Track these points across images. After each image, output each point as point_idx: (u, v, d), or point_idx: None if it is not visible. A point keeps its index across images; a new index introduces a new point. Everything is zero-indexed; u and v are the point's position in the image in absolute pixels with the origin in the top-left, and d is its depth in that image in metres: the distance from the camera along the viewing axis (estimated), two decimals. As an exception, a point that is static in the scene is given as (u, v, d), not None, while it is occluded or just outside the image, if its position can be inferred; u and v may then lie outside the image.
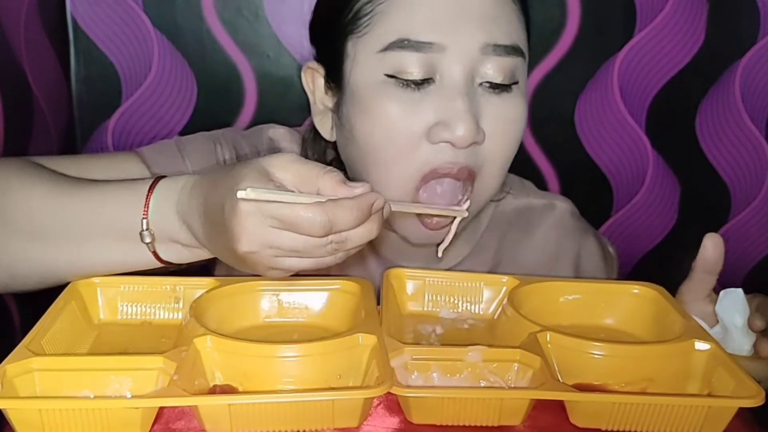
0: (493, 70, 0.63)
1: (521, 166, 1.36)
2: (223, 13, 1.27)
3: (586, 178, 1.39)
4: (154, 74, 1.29)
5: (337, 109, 0.70)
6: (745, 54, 1.32)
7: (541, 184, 1.38)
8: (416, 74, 0.62)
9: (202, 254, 0.65)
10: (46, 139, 1.19)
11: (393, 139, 0.64)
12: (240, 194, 0.52)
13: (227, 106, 1.32)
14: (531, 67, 1.29)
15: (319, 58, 0.71)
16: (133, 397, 0.59)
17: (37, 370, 0.58)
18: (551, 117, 1.35)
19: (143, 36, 1.28)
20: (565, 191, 1.39)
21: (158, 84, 1.30)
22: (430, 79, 0.63)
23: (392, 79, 0.63)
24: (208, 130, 1.32)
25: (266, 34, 1.28)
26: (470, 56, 0.62)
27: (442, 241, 0.70)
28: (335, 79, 0.69)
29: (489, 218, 0.83)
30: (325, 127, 0.73)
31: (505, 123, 0.65)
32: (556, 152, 1.37)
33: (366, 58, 0.64)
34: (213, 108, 1.31)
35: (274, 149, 0.80)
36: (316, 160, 0.72)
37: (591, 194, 1.40)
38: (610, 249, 0.87)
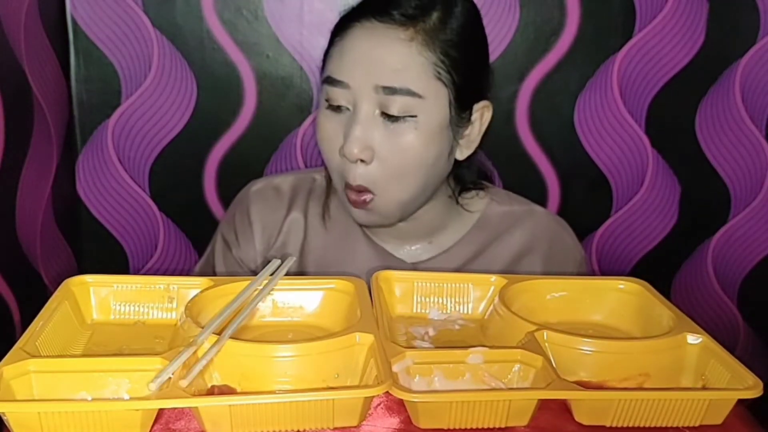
0: (393, 107, 0.80)
1: (521, 165, 1.38)
2: (223, 13, 1.27)
3: (586, 178, 1.39)
4: (154, 74, 1.29)
5: None
6: (745, 54, 1.32)
7: (541, 184, 1.38)
8: (336, 102, 0.82)
9: None
10: (46, 139, 1.20)
11: (327, 148, 0.85)
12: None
13: (227, 106, 1.32)
14: (530, 67, 1.31)
15: None
16: (132, 398, 0.59)
17: (34, 372, 0.58)
18: (551, 117, 1.35)
19: (143, 36, 1.28)
20: (565, 191, 1.39)
21: (158, 84, 1.30)
22: (347, 108, 0.82)
23: (326, 103, 0.84)
24: (208, 130, 1.34)
25: (266, 34, 1.28)
26: (367, 93, 0.80)
27: (393, 224, 0.90)
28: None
29: (477, 218, 0.96)
30: None
31: (395, 148, 0.81)
32: (556, 152, 1.37)
33: (321, 86, 0.85)
34: (213, 108, 1.31)
35: None
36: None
37: (591, 194, 1.40)
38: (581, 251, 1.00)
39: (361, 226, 0.92)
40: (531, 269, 0.94)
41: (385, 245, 0.94)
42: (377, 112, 0.81)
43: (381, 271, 0.78)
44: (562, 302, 0.77)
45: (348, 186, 0.84)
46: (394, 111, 0.81)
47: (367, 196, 0.84)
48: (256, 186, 0.97)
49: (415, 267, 0.93)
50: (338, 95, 0.82)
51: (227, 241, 0.97)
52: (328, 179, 0.94)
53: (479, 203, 0.96)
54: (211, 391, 0.61)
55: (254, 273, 0.95)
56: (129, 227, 1.38)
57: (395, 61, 0.80)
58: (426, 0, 0.83)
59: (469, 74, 0.85)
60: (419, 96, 0.81)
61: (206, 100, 1.31)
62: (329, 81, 0.83)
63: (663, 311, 0.73)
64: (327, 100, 0.84)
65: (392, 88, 0.80)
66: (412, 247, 0.94)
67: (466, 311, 0.78)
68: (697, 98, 1.35)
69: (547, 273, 0.94)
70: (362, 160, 0.82)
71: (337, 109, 0.83)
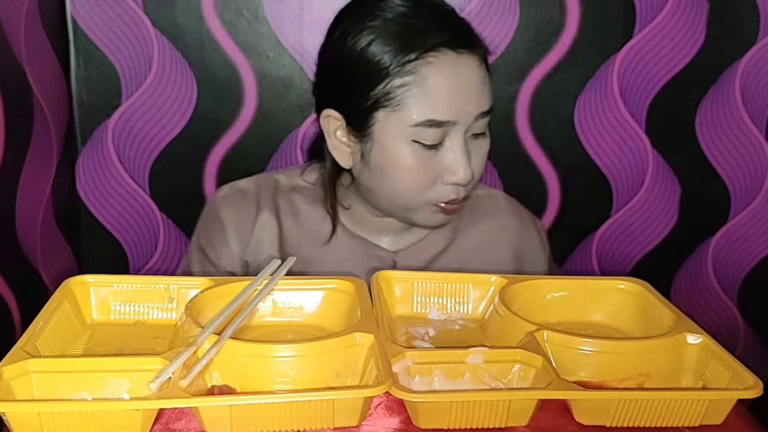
0: (478, 126, 0.86)
1: (521, 165, 1.38)
2: (223, 13, 1.27)
3: (586, 178, 1.39)
4: (154, 74, 1.29)
5: (363, 151, 0.88)
6: (745, 54, 1.32)
7: (541, 184, 1.38)
8: (435, 141, 0.84)
9: None
10: (46, 139, 1.20)
11: (415, 181, 0.86)
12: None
13: (227, 107, 1.32)
14: (530, 67, 1.31)
15: (339, 110, 0.88)
16: (132, 398, 0.59)
17: (34, 372, 0.58)
18: (551, 117, 1.35)
19: (143, 36, 1.28)
20: (565, 191, 1.39)
21: (158, 84, 1.30)
22: (442, 141, 0.85)
23: (417, 144, 0.84)
24: (208, 130, 1.34)
25: (266, 34, 1.28)
26: (468, 123, 0.85)
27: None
28: (358, 128, 0.87)
29: None
30: (342, 158, 0.90)
31: (481, 157, 0.89)
32: (556, 152, 1.37)
33: (398, 127, 0.84)
34: (213, 108, 1.32)
35: None
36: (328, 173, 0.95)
37: (591, 194, 1.40)
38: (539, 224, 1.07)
39: (428, 227, 0.94)
40: (502, 250, 1.00)
41: (367, 237, 0.96)
42: (468, 134, 0.86)
43: (381, 271, 0.78)
44: (562, 302, 0.77)
45: (451, 201, 0.87)
46: (481, 129, 0.87)
47: (466, 201, 0.90)
48: (222, 192, 0.99)
49: (395, 254, 0.95)
50: (436, 135, 0.83)
51: (203, 249, 0.98)
52: (328, 185, 0.95)
53: None
54: (211, 391, 0.61)
55: (233, 276, 0.95)
56: (129, 227, 1.38)
57: (483, 86, 0.86)
58: (458, 18, 0.88)
59: None
60: (493, 109, 0.88)
61: (206, 100, 1.31)
62: (431, 124, 0.83)
63: (663, 311, 0.73)
64: (417, 141, 0.84)
65: (486, 111, 0.86)
66: (393, 237, 0.97)
67: (466, 311, 0.78)
68: (697, 98, 1.36)
69: (517, 249, 1.00)
70: None
71: (435, 146, 0.85)
